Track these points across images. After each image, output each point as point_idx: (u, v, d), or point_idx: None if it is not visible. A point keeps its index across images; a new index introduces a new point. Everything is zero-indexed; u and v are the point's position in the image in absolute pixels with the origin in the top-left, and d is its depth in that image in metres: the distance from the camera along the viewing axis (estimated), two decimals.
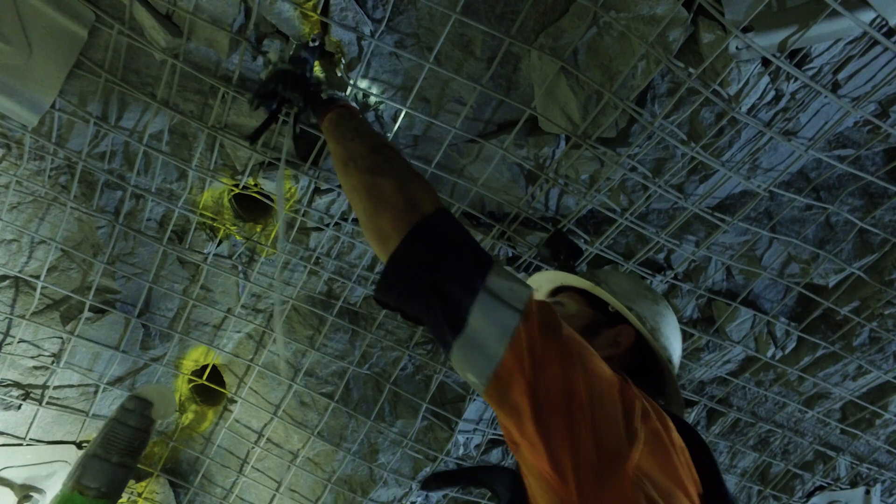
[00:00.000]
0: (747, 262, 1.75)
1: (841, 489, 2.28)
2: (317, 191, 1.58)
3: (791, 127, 1.47)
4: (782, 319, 1.89)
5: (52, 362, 1.66)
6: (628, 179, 1.55)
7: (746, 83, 1.31)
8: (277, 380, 1.81)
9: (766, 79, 1.32)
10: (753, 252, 1.77)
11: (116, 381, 1.75)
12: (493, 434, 1.96)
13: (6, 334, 1.60)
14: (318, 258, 1.67)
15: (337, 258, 1.69)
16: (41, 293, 1.59)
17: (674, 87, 1.37)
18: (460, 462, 1.93)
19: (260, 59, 1.35)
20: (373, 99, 1.42)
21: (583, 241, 1.63)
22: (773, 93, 1.36)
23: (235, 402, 1.87)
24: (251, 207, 1.70)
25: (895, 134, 1.43)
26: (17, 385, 1.66)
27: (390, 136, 1.46)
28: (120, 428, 1.39)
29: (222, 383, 1.89)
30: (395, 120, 1.45)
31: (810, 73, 1.32)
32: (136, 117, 1.44)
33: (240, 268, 1.71)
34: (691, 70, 1.29)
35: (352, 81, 1.36)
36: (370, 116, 1.48)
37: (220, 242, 1.67)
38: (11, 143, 1.44)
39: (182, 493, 1.93)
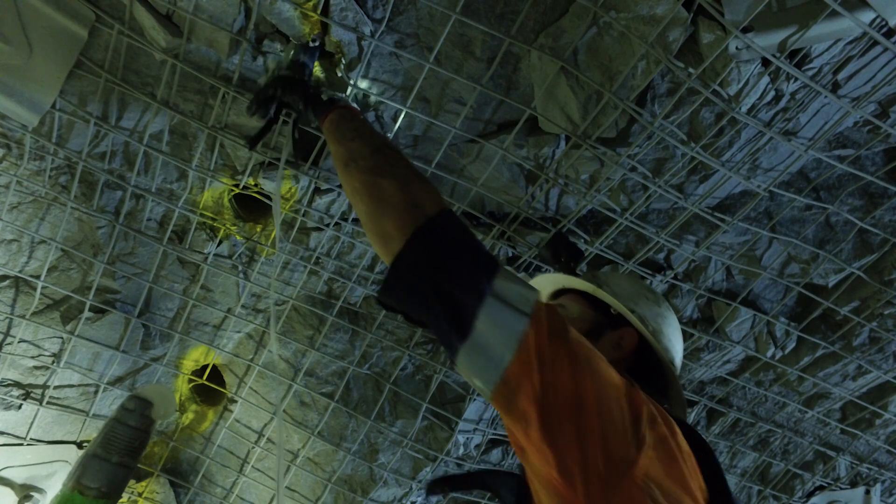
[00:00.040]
0: (747, 262, 1.75)
1: (841, 489, 2.28)
2: (317, 191, 1.58)
3: (791, 127, 1.47)
4: (782, 319, 1.89)
5: (53, 362, 1.66)
6: (628, 179, 1.55)
7: (746, 83, 1.31)
8: (277, 380, 1.81)
9: (766, 79, 1.32)
10: (753, 252, 1.77)
11: (116, 381, 1.75)
12: (493, 434, 1.96)
13: (6, 334, 1.60)
14: (318, 258, 1.67)
15: (337, 258, 1.69)
16: (41, 293, 1.59)
17: (674, 87, 1.37)
18: (460, 462, 1.93)
19: (260, 60, 1.36)
20: (373, 99, 1.42)
21: (583, 241, 1.64)
22: (772, 93, 1.36)
23: (235, 401, 1.87)
24: (251, 207, 1.70)
25: (895, 134, 1.43)
26: (17, 385, 1.66)
27: (390, 136, 1.46)
28: (120, 428, 1.39)
29: (222, 383, 1.89)
30: (395, 120, 1.45)
31: (810, 73, 1.32)
32: (137, 117, 1.45)
33: (240, 268, 1.72)
34: (691, 70, 1.29)
35: (352, 81, 1.36)
36: (370, 116, 1.48)
37: (221, 242, 1.67)
38: (12, 143, 1.44)
39: (182, 492, 1.93)
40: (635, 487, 0.64)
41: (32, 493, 1.72)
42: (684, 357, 1.92)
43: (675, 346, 1.03)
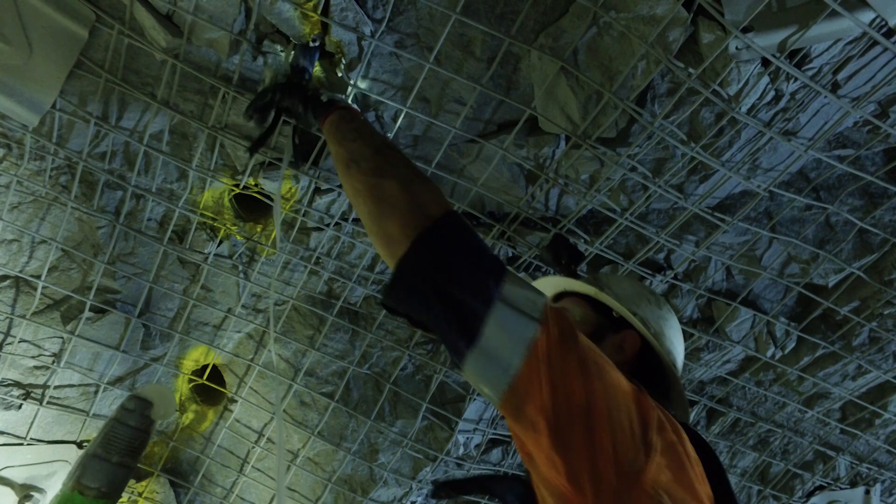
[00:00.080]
0: (747, 262, 1.75)
1: (841, 489, 2.28)
2: (317, 191, 1.58)
3: (791, 127, 1.47)
4: (782, 319, 1.89)
5: (53, 362, 1.66)
6: (628, 179, 1.55)
7: (746, 83, 1.31)
8: (278, 379, 1.81)
9: (765, 79, 1.32)
10: (753, 252, 1.77)
11: (117, 381, 1.75)
12: (494, 434, 1.96)
13: (7, 334, 1.60)
14: (318, 258, 1.67)
15: (337, 258, 1.69)
16: (42, 293, 1.59)
17: (674, 87, 1.37)
18: (460, 462, 1.93)
19: (260, 60, 1.36)
20: (373, 99, 1.42)
21: (583, 241, 1.64)
22: (772, 93, 1.36)
23: (235, 401, 1.87)
24: (251, 207, 1.70)
25: (895, 134, 1.43)
26: (17, 385, 1.66)
27: (390, 136, 1.47)
28: (120, 428, 1.39)
29: (222, 383, 1.89)
30: (395, 120, 1.45)
31: (810, 73, 1.32)
32: (137, 117, 1.45)
33: (240, 268, 1.72)
34: (691, 70, 1.29)
35: (352, 82, 1.36)
36: (370, 116, 1.48)
37: (221, 242, 1.67)
38: (12, 143, 1.44)
39: (182, 492, 1.93)
40: (644, 495, 0.63)
41: (32, 493, 1.72)
42: (684, 357, 1.92)
43: (677, 348, 1.03)
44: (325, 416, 1.80)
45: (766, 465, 2.22)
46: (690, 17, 1.22)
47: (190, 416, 1.92)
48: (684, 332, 1.76)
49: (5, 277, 1.57)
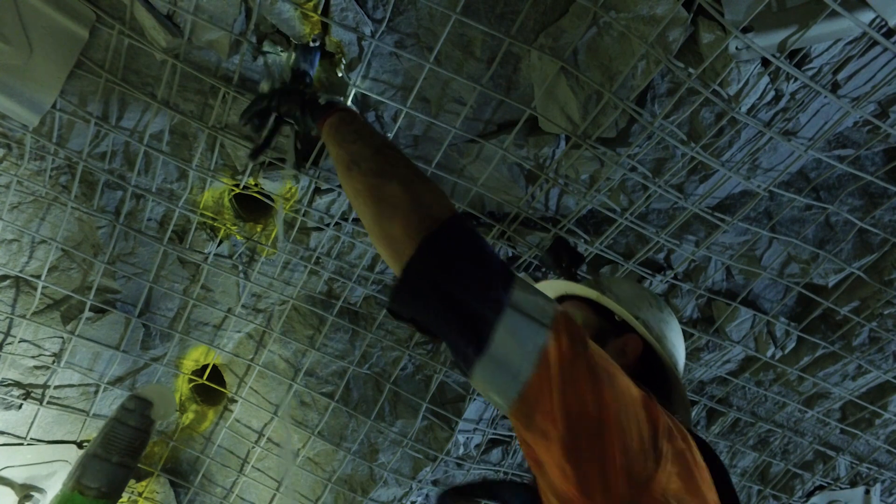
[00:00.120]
0: (747, 262, 1.75)
1: (841, 489, 2.28)
2: (317, 191, 1.58)
3: (791, 127, 1.47)
4: (782, 319, 1.89)
5: (53, 362, 1.66)
6: (628, 179, 1.55)
7: (746, 83, 1.31)
8: (278, 379, 1.81)
9: (765, 79, 1.32)
10: (753, 252, 1.77)
11: (117, 381, 1.75)
12: (494, 434, 1.96)
13: (7, 334, 1.60)
14: (318, 258, 1.67)
15: (337, 258, 1.69)
16: (42, 293, 1.59)
17: (674, 87, 1.37)
18: (460, 462, 1.93)
19: (260, 60, 1.36)
20: (373, 99, 1.42)
21: (583, 241, 1.64)
22: (772, 93, 1.36)
23: (236, 401, 1.87)
24: (251, 207, 1.70)
25: (895, 134, 1.43)
26: (17, 385, 1.66)
27: (390, 136, 1.47)
28: (120, 428, 1.39)
29: (223, 383, 1.89)
30: (395, 120, 1.45)
31: (810, 73, 1.32)
32: (137, 117, 1.45)
33: (240, 268, 1.72)
34: (691, 70, 1.29)
35: (352, 82, 1.37)
36: (370, 116, 1.48)
37: (221, 242, 1.67)
38: (12, 143, 1.44)
39: (182, 492, 1.93)
40: (654, 503, 0.63)
41: (32, 493, 1.72)
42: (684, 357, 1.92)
43: (679, 350, 1.03)
44: (325, 416, 1.80)
45: (766, 465, 2.22)
46: (690, 17, 1.22)
47: (190, 416, 1.92)
48: (684, 332, 1.76)
49: (5, 277, 1.57)
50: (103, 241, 1.58)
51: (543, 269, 1.72)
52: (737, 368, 2.04)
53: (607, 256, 1.65)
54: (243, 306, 1.77)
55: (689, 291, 1.83)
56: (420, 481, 1.89)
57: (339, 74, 1.37)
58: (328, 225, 1.63)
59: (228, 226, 1.65)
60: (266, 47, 1.33)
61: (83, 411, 1.74)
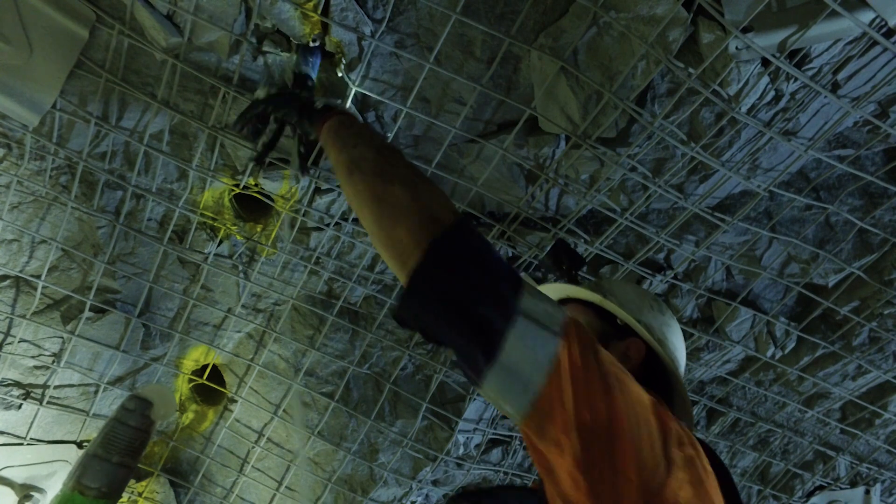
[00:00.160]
0: (747, 262, 1.75)
1: (841, 489, 2.28)
2: (317, 191, 1.58)
3: (791, 127, 1.47)
4: (782, 319, 1.89)
5: (53, 362, 1.66)
6: (628, 179, 1.55)
7: (746, 83, 1.31)
8: (278, 379, 1.81)
9: (765, 79, 1.32)
10: (753, 252, 1.77)
11: (117, 381, 1.75)
12: (494, 434, 1.96)
13: (7, 334, 1.60)
14: (318, 258, 1.67)
15: (337, 258, 1.69)
16: (42, 293, 1.59)
17: (674, 87, 1.37)
18: (460, 462, 1.93)
19: (260, 60, 1.36)
20: (373, 99, 1.42)
21: (583, 241, 1.64)
22: (772, 93, 1.36)
23: (236, 401, 1.87)
24: (251, 207, 1.70)
25: (895, 134, 1.43)
26: (17, 385, 1.66)
27: (390, 136, 1.47)
28: (120, 428, 1.39)
29: (222, 383, 1.89)
30: (395, 120, 1.45)
31: (810, 73, 1.32)
32: (137, 117, 1.45)
33: (240, 268, 1.72)
34: (691, 70, 1.29)
35: (352, 82, 1.37)
36: (370, 117, 1.48)
37: (221, 242, 1.67)
38: (12, 143, 1.44)
39: (182, 492, 1.93)
40: None
41: (32, 493, 1.72)
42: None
43: (680, 353, 1.03)
44: (326, 416, 1.80)
45: (766, 464, 2.22)
46: (690, 17, 1.22)
47: (190, 416, 1.92)
48: (684, 332, 1.76)
49: (5, 277, 1.57)
50: (103, 241, 1.58)
51: (543, 270, 1.72)
52: (737, 368, 2.04)
53: (607, 256, 1.65)
54: (243, 306, 1.77)
55: (689, 291, 1.83)
56: (420, 481, 1.89)
57: (339, 74, 1.37)
58: (328, 225, 1.63)
59: (228, 226, 1.65)
60: (266, 47, 1.33)
61: (83, 411, 1.74)
